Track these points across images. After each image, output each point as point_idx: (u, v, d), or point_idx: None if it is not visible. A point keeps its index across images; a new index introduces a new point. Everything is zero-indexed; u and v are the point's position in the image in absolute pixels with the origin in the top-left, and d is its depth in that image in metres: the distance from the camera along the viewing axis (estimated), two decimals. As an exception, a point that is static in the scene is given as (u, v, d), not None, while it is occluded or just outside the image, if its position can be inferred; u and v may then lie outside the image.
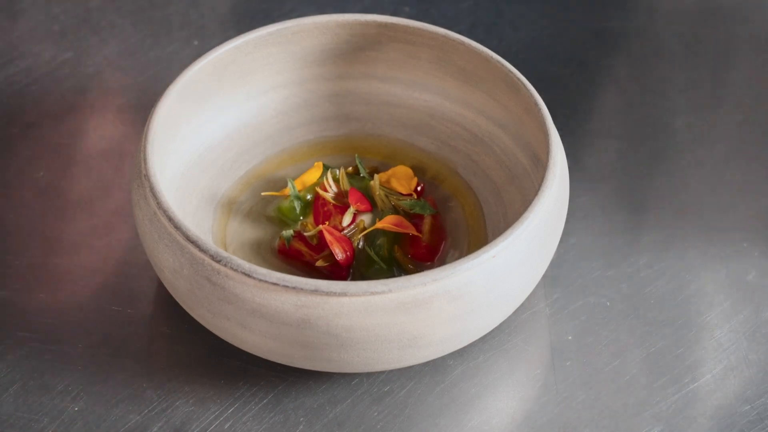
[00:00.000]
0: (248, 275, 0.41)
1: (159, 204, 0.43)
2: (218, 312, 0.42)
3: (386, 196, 0.51)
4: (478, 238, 0.51)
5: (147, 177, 0.44)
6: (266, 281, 0.41)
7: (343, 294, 0.40)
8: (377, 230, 0.50)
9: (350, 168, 0.53)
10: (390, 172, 0.53)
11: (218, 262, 0.41)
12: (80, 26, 0.67)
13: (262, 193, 0.53)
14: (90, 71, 0.64)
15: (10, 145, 0.58)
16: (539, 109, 0.48)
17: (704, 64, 0.65)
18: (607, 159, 0.58)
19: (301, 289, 0.40)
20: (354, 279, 0.49)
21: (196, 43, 0.66)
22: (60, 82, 0.63)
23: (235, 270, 0.41)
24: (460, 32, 0.52)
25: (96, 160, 0.58)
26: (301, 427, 0.46)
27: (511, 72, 0.50)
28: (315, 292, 0.40)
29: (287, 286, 0.41)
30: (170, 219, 0.43)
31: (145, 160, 0.45)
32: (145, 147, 0.45)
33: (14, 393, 0.47)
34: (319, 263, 0.49)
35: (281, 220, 0.52)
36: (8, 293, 0.51)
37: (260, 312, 0.41)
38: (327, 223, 0.50)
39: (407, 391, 0.47)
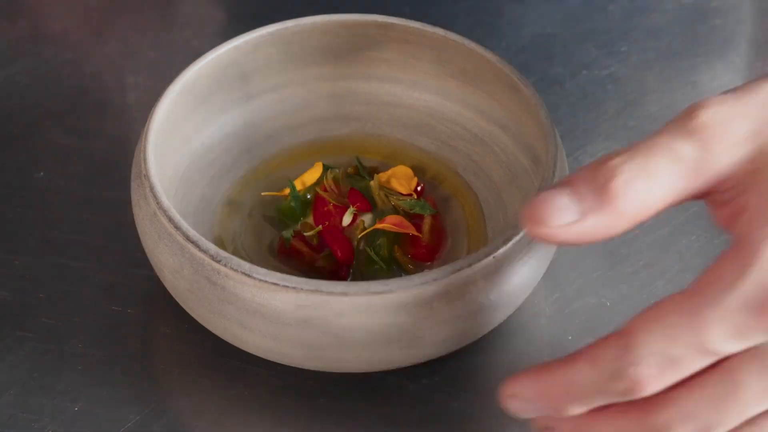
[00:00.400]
0: (248, 275, 0.41)
1: (159, 204, 0.43)
2: (218, 312, 0.42)
3: (386, 196, 0.51)
4: (478, 238, 0.51)
5: (147, 177, 0.44)
6: (266, 281, 0.41)
7: (344, 294, 0.40)
8: (377, 230, 0.50)
9: (351, 168, 0.53)
10: (390, 172, 0.53)
11: (218, 262, 0.41)
12: (80, 26, 0.67)
13: (262, 193, 0.53)
14: (90, 71, 0.64)
15: (10, 145, 0.58)
16: (539, 110, 0.48)
17: (704, 64, 0.65)
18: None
19: (302, 289, 0.40)
20: (354, 279, 0.49)
21: (195, 43, 0.66)
22: (60, 82, 0.63)
23: (235, 270, 0.41)
24: (460, 32, 0.52)
25: (96, 160, 0.58)
26: (301, 426, 0.46)
27: (511, 72, 0.50)
28: (315, 291, 0.40)
29: (287, 286, 0.41)
30: (170, 219, 0.43)
31: (145, 160, 0.45)
32: (145, 147, 0.45)
33: (14, 393, 0.47)
34: (320, 263, 0.49)
35: (281, 220, 0.52)
36: (8, 293, 0.51)
37: (260, 312, 0.41)
38: (327, 223, 0.50)
39: (407, 391, 0.47)
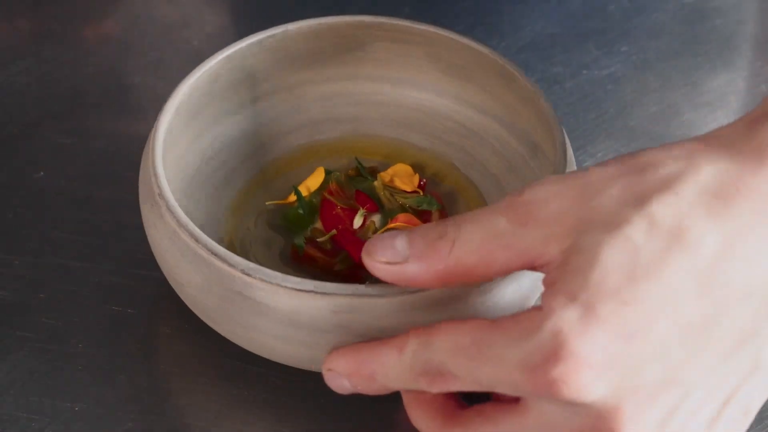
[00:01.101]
0: (282, 285, 0.40)
1: (179, 222, 0.42)
2: (250, 325, 0.42)
3: (392, 195, 0.51)
4: None
5: (162, 196, 0.44)
6: (301, 289, 0.40)
7: (381, 296, 0.40)
8: (390, 230, 0.49)
9: (351, 170, 0.53)
10: (390, 171, 0.53)
11: (249, 275, 0.41)
12: (80, 26, 0.67)
13: (267, 203, 0.52)
14: (90, 71, 0.64)
15: (10, 145, 0.58)
16: (538, 97, 0.48)
17: (704, 64, 0.65)
18: (607, 159, 0.58)
19: (338, 294, 0.40)
20: (371, 280, 0.49)
21: (195, 43, 0.66)
22: (60, 82, 0.63)
23: (268, 281, 0.40)
24: (460, 32, 0.52)
25: (96, 160, 0.58)
26: (301, 426, 0.46)
27: (506, 63, 0.50)
28: (352, 296, 0.40)
29: (323, 293, 0.40)
30: (193, 236, 0.42)
31: (157, 179, 0.44)
32: (154, 165, 0.45)
33: (14, 393, 0.47)
34: (338, 267, 0.49)
35: (289, 227, 0.51)
36: (8, 293, 0.51)
37: (296, 321, 0.41)
38: (340, 226, 0.50)
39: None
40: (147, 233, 0.46)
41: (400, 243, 0.39)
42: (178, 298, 0.46)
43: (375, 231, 0.50)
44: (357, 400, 0.46)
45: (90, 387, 0.47)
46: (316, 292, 0.40)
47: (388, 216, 0.51)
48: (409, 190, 0.52)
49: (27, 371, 0.47)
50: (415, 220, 0.50)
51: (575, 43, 0.66)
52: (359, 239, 0.49)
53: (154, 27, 0.67)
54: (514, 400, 0.38)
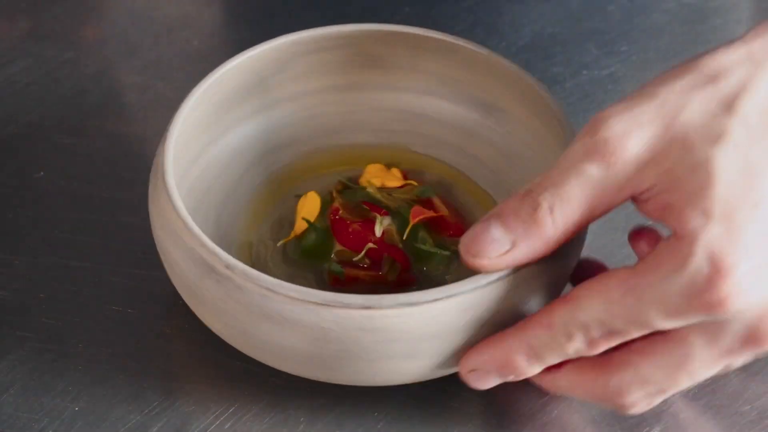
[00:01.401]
0: (409, 303, 0.40)
1: (247, 276, 0.40)
2: (376, 357, 0.41)
3: (389, 194, 0.51)
4: (481, 197, 0.53)
5: (231, 267, 0.41)
6: (429, 300, 0.40)
7: (500, 279, 0.40)
8: (414, 226, 0.49)
9: (338, 185, 0.52)
10: (367, 174, 0.52)
11: (370, 307, 0.40)
12: (80, 26, 0.67)
13: (278, 244, 0.51)
14: (90, 71, 0.64)
15: (10, 145, 0.58)
16: (484, 56, 0.50)
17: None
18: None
19: (462, 292, 0.40)
20: (422, 279, 0.49)
21: (196, 43, 0.66)
22: (60, 82, 0.63)
23: (392, 307, 0.40)
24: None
25: (96, 160, 0.58)
26: (302, 427, 0.46)
27: (446, 37, 0.51)
28: (475, 289, 0.40)
29: (450, 296, 0.40)
30: (268, 288, 0.40)
31: (211, 251, 0.42)
32: (201, 240, 0.42)
33: (14, 393, 0.47)
34: (390, 277, 0.48)
35: (309, 258, 0.50)
36: (8, 293, 0.51)
37: (427, 333, 0.40)
38: (372, 238, 0.49)
39: (407, 391, 0.47)
40: (212, 305, 0.42)
41: (498, 233, 0.39)
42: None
43: (399, 233, 0.49)
44: (357, 400, 0.47)
45: (90, 387, 0.47)
46: (444, 298, 0.40)
47: (396, 215, 0.50)
48: (400, 185, 0.51)
49: (27, 371, 0.47)
50: (424, 209, 0.50)
51: (575, 43, 0.66)
52: (391, 244, 0.49)
53: (154, 27, 0.67)
54: (658, 333, 0.39)
